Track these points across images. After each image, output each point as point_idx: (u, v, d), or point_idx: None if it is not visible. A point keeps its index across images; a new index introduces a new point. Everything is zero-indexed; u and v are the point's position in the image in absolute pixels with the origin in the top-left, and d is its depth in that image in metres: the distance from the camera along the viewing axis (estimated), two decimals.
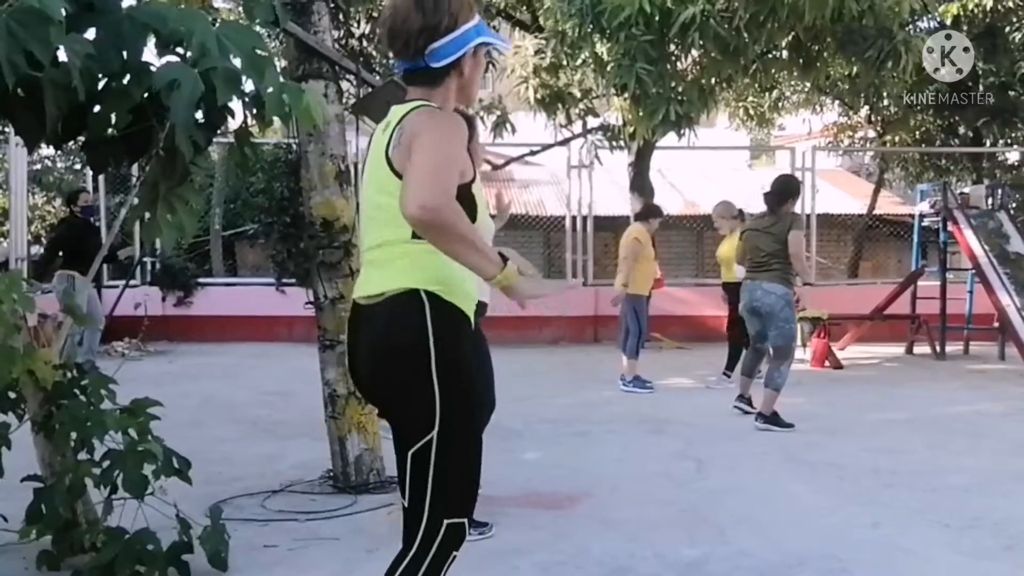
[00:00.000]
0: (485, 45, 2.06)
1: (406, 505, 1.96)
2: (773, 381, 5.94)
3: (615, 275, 7.89)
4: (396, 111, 2.02)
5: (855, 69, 9.83)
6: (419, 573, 1.88)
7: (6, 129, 9.86)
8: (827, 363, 9.08)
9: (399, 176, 1.90)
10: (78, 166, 15.90)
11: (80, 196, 8.56)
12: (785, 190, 6.29)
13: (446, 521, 1.89)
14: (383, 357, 1.96)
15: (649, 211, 8.13)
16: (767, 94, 13.54)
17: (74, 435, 3.12)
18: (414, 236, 1.92)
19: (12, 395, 3.15)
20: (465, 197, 1.91)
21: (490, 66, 9.78)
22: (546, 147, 11.81)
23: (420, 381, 1.89)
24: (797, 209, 6.62)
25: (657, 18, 7.67)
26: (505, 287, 1.89)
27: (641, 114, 8.53)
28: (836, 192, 16.25)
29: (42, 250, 10.11)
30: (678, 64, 8.84)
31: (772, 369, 6.01)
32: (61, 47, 2.54)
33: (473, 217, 1.94)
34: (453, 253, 1.84)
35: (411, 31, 1.96)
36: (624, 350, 7.67)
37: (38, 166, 17.04)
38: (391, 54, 2.03)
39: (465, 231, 1.82)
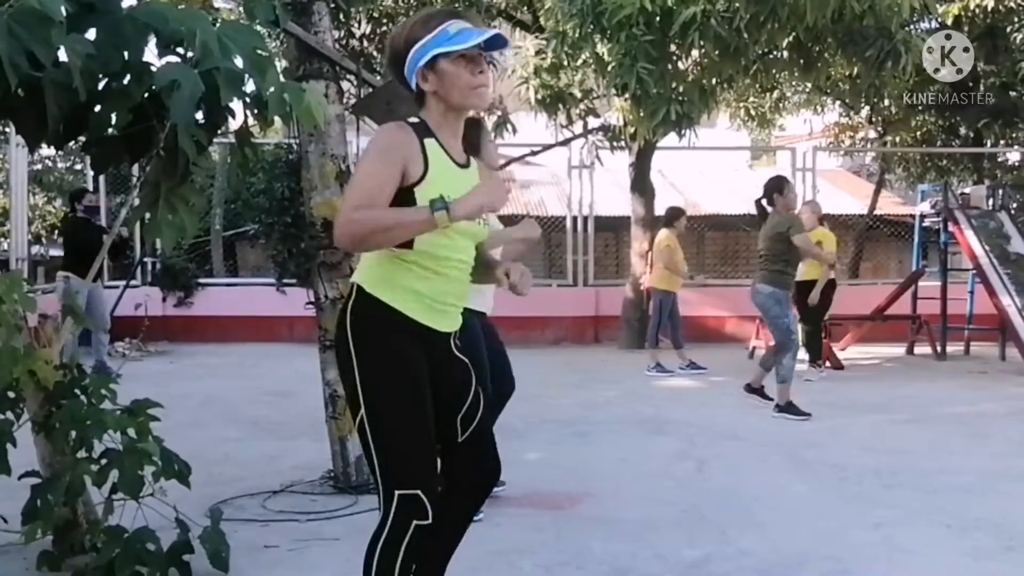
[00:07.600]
0: (444, 56, 2.12)
1: None
2: (778, 374, 6.19)
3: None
4: None
5: (856, 69, 9.84)
6: (382, 537, 2.09)
7: (6, 129, 9.88)
8: (828, 363, 9.08)
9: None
10: (79, 166, 15.91)
11: (85, 196, 8.56)
12: (766, 193, 6.46)
13: (397, 492, 2.07)
14: None
15: (675, 215, 8.82)
16: (768, 94, 13.54)
17: (73, 434, 3.11)
18: None
19: (11, 395, 3.15)
20: (406, 201, 2.10)
21: (491, 66, 9.77)
22: (547, 147, 11.80)
23: (346, 365, 2.14)
24: (795, 209, 6.66)
25: (658, 18, 7.67)
26: (458, 219, 2.04)
27: (642, 114, 8.54)
28: (837, 192, 16.23)
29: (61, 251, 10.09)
30: (679, 64, 8.84)
31: (776, 363, 6.26)
32: (62, 47, 2.53)
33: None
34: (387, 240, 2.09)
35: (390, 67, 2.25)
36: (672, 343, 8.74)
37: (38, 166, 17.05)
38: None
39: (373, 223, 2.03)
